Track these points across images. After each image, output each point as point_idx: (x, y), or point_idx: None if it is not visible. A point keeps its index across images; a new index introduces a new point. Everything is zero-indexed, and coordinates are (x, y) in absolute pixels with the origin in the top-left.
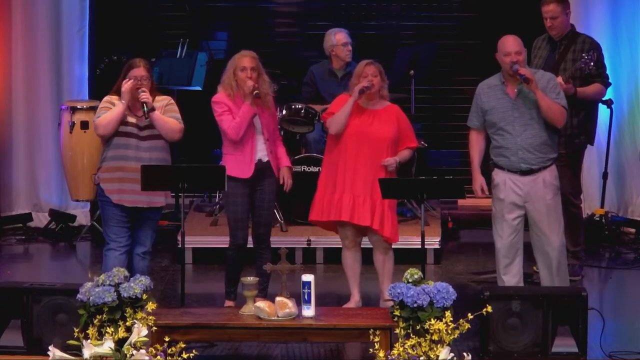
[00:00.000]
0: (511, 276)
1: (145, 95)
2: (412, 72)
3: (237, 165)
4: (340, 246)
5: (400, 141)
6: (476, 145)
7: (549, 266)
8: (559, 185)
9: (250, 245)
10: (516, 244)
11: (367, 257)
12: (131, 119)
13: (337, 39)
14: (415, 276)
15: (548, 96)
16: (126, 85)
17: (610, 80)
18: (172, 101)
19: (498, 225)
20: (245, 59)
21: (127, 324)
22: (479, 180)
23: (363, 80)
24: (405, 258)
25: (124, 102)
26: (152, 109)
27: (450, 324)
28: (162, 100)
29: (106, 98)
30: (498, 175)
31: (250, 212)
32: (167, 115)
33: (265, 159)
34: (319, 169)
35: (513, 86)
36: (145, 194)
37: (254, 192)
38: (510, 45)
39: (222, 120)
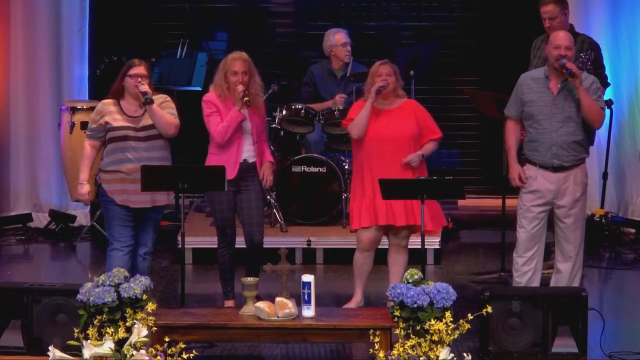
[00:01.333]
0: (528, 270)
1: (144, 87)
2: (412, 72)
3: None
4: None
5: (422, 134)
6: (513, 134)
7: (568, 262)
8: (587, 183)
9: (243, 246)
10: (537, 238)
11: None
12: (126, 123)
13: (336, 39)
14: (415, 276)
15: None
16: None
17: (609, 81)
18: (169, 99)
19: (523, 219)
20: (236, 63)
21: (127, 324)
22: (516, 169)
23: (377, 80)
24: None
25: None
26: (152, 101)
27: (450, 324)
28: (159, 98)
29: (98, 107)
30: (530, 170)
31: (239, 214)
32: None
33: (251, 160)
34: (319, 169)
35: (556, 81)
36: (149, 193)
37: (239, 193)
38: (561, 39)
39: (209, 121)
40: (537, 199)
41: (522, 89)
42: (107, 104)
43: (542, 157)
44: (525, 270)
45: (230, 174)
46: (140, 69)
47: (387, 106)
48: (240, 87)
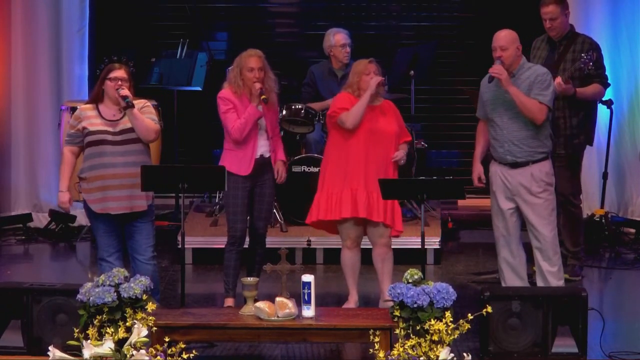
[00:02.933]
0: (510, 268)
1: (124, 91)
2: (412, 72)
3: (237, 162)
4: (341, 247)
5: (399, 135)
6: (481, 135)
7: (541, 260)
8: (552, 182)
9: (245, 246)
10: (514, 236)
11: (366, 257)
12: (103, 127)
13: (336, 39)
14: (415, 276)
15: (522, 92)
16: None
17: (609, 81)
18: (149, 104)
19: (494, 216)
20: (252, 59)
21: (127, 324)
22: (476, 170)
23: (364, 78)
24: (405, 258)
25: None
26: (132, 105)
27: (450, 324)
28: (139, 103)
29: (76, 113)
30: (492, 167)
31: (250, 208)
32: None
33: (267, 155)
34: (319, 169)
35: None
36: (127, 199)
37: (255, 187)
38: (497, 40)
39: (226, 118)
40: (500, 195)
41: (481, 89)
42: (86, 109)
43: (498, 154)
44: (506, 271)
45: (246, 169)
46: (120, 73)
47: (370, 102)
48: (258, 85)
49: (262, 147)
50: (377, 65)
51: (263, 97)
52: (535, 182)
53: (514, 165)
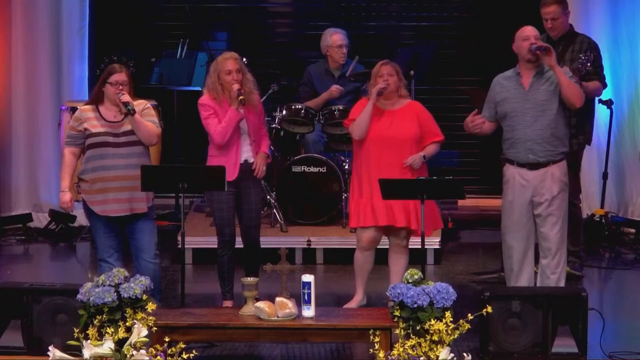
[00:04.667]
0: (522, 271)
1: (125, 97)
2: (412, 72)
3: None
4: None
5: (424, 137)
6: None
7: (547, 259)
8: (567, 181)
9: (239, 246)
10: (527, 239)
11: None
12: (105, 129)
13: (333, 40)
14: (415, 276)
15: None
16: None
17: (607, 81)
18: (149, 105)
19: (507, 219)
20: (229, 62)
21: (127, 324)
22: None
23: (379, 81)
24: None
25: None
26: (134, 111)
27: (450, 324)
28: (139, 105)
29: (77, 114)
30: (508, 171)
31: (238, 214)
32: (144, 119)
33: (251, 160)
34: (318, 169)
35: (528, 77)
36: (127, 202)
37: (240, 193)
38: (529, 30)
39: (208, 123)
40: (518, 200)
41: (495, 89)
42: (86, 111)
43: (518, 153)
44: (516, 275)
45: (231, 175)
46: (121, 76)
47: (390, 107)
48: (236, 86)
49: (246, 152)
50: (392, 66)
51: (241, 97)
52: (554, 183)
53: (536, 166)
